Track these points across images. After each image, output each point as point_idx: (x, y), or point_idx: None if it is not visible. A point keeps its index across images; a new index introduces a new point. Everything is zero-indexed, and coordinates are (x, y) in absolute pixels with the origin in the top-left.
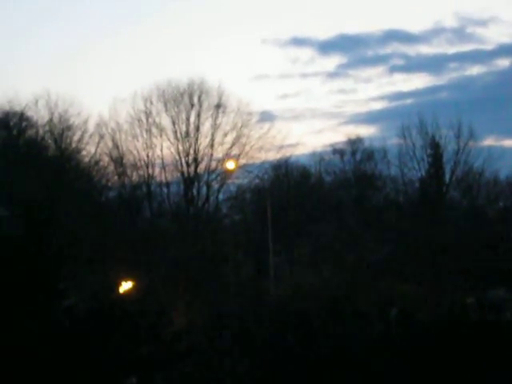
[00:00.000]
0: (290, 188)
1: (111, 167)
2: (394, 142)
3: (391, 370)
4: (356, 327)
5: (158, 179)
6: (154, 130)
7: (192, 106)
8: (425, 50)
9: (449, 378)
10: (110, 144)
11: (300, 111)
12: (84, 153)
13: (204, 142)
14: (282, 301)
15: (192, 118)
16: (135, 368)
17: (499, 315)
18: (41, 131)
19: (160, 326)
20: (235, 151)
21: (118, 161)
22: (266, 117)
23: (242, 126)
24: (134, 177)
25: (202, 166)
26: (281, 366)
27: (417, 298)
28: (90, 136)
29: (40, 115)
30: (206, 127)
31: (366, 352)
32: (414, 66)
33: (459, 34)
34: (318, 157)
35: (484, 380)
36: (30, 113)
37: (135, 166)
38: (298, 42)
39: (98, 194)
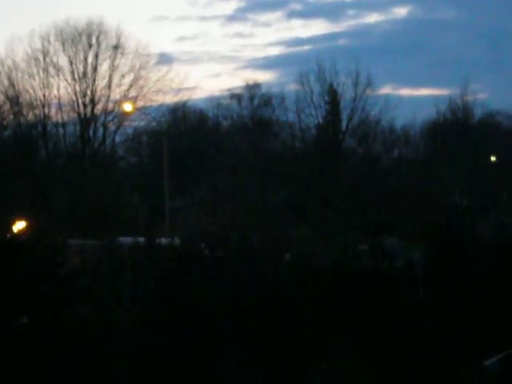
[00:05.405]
0: (186, 132)
1: (7, 106)
2: (291, 87)
3: (281, 316)
4: (249, 271)
5: (54, 119)
6: (51, 69)
7: (90, 46)
8: None
9: (339, 322)
10: (5, 82)
11: (198, 54)
12: None
13: (101, 83)
14: (175, 244)
15: (90, 59)
16: (27, 307)
17: (391, 262)
18: None
19: (54, 266)
20: (133, 93)
21: (14, 100)
22: (164, 59)
23: (139, 68)
24: (30, 116)
25: (98, 107)
26: (172, 309)
27: (311, 244)
28: None
29: None
30: (103, 68)
31: (257, 298)
32: (312, 11)
33: None
34: (216, 101)
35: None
36: None
37: (31, 106)
38: None
39: None
